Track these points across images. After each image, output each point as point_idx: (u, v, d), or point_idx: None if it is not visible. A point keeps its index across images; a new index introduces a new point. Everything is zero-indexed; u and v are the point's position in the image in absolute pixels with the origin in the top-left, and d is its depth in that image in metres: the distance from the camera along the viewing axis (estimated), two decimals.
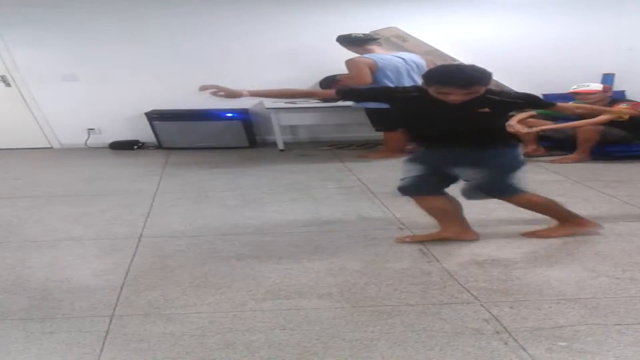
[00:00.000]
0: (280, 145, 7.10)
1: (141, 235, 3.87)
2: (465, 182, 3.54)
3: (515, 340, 2.41)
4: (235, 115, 7.00)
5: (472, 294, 2.87)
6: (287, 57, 7.07)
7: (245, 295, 2.89)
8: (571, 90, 6.16)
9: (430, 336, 2.46)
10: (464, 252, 3.44)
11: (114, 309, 2.77)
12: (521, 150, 3.57)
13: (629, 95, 7.03)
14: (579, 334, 2.46)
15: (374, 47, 6.00)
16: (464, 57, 7.03)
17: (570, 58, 7.10)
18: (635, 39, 7.22)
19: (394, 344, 2.40)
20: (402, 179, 3.57)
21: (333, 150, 7.03)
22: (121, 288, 3.00)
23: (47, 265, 3.34)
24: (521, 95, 3.46)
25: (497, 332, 2.48)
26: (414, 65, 6.00)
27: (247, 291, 2.94)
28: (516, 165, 3.47)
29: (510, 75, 6.99)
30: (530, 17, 7.24)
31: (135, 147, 7.39)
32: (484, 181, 3.43)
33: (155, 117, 7.13)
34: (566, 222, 3.66)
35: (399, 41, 6.97)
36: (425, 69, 5.89)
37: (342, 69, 6.00)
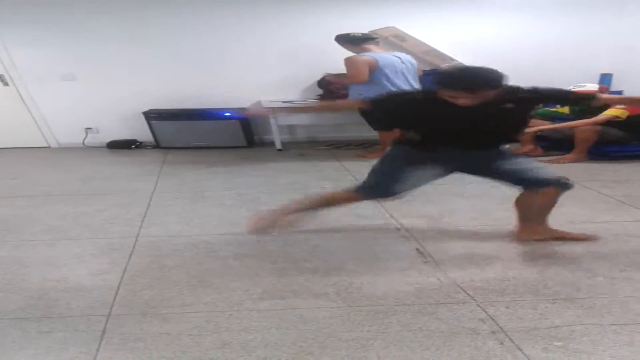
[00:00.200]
0: (278, 145, 7.10)
1: (138, 234, 3.87)
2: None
3: (511, 340, 2.41)
4: (233, 114, 7.00)
5: (468, 293, 2.88)
6: (286, 56, 7.08)
7: (242, 295, 2.89)
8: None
9: (426, 336, 2.46)
10: (460, 252, 3.45)
11: (111, 308, 2.77)
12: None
13: (627, 95, 7.03)
14: (575, 333, 2.46)
15: (372, 47, 6.01)
16: (463, 57, 7.07)
17: (568, 58, 7.12)
18: (633, 39, 7.23)
19: (390, 343, 2.40)
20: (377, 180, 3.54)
21: (331, 150, 7.03)
22: (118, 287, 3.00)
23: (43, 264, 3.34)
24: (544, 89, 3.43)
25: (493, 332, 2.49)
26: (409, 65, 6.01)
27: (244, 291, 2.94)
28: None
29: (509, 74, 6.99)
30: (528, 17, 7.25)
31: (133, 146, 7.39)
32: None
33: (153, 116, 7.13)
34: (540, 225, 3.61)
35: (398, 41, 6.98)
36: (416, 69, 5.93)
37: (343, 69, 6.00)
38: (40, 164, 6.61)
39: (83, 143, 7.49)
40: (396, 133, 3.84)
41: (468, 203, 4.49)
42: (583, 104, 3.94)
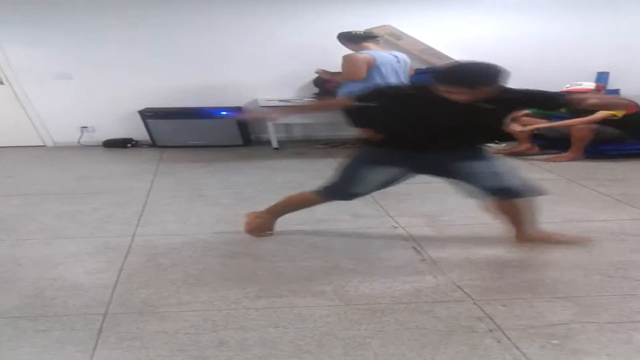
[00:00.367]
0: (275, 144, 7.10)
1: (135, 233, 3.86)
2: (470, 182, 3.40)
3: (509, 339, 2.41)
4: (229, 113, 6.98)
5: (465, 292, 2.88)
6: (283, 54, 7.08)
7: (239, 294, 2.89)
8: (564, 89, 6.16)
9: (423, 334, 2.46)
10: (458, 251, 3.45)
11: (108, 307, 2.76)
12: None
13: (624, 93, 7.05)
14: (572, 332, 2.46)
15: (370, 45, 6.00)
16: (460, 55, 7.05)
17: (565, 57, 7.12)
18: (630, 38, 7.25)
19: (387, 342, 2.40)
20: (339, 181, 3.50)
21: (327, 149, 7.02)
22: (114, 286, 3.00)
23: (40, 263, 3.33)
24: (532, 91, 3.35)
25: (491, 330, 2.49)
26: (404, 64, 5.99)
27: (241, 289, 2.94)
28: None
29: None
30: (526, 16, 7.26)
31: (129, 145, 7.37)
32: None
33: (149, 115, 7.12)
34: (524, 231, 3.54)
35: (394, 39, 6.98)
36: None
37: (340, 67, 5.99)
38: (36, 162, 6.59)
39: (79, 142, 7.47)
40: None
41: (465, 202, 4.47)
42: (569, 106, 3.80)
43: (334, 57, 6.00)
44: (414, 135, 3.30)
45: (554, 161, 5.98)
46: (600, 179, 5.17)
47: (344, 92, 5.72)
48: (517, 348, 2.34)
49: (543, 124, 6.30)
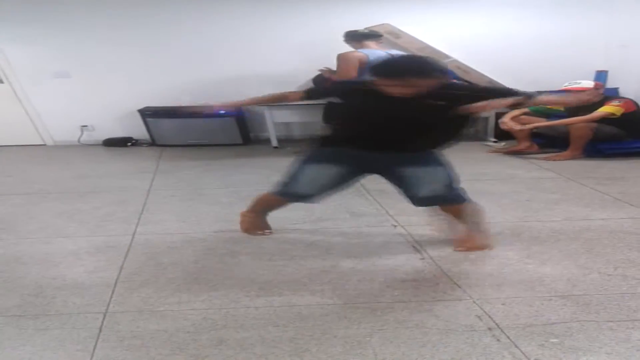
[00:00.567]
0: (274, 142, 7.10)
1: (135, 232, 3.87)
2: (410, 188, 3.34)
3: (508, 337, 2.42)
4: (228, 112, 6.99)
5: (464, 290, 2.88)
6: (285, 53, 7.09)
7: (239, 292, 2.89)
8: (562, 87, 6.17)
9: (422, 333, 2.46)
10: (457, 250, 3.45)
11: (108, 305, 2.77)
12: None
13: (622, 92, 7.06)
14: (571, 330, 2.47)
15: (371, 43, 6.01)
16: (458, 54, 7.09)
17: (564, 55, 7.12)
18: (629, 36, 7.25)
19: (386, 340, 2.41)
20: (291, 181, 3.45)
21: None
22: (114, 285, 3.00)
23: (40, 262, 3.34)
24: (479, 88, 3.26)
25: (490, 329, 2.49)
26: None
27: (241, 288, 2.94)
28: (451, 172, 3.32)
29: (504, 72, 7.02)
30: (524, 14, 7.25)
31: (129, 144, 7.38)
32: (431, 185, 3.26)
33: (149, 114, 7.12)
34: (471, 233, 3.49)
35: (392, 38, 6.97)
36: None
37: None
38: (35, 161, 6.59)
39: (79, 141, 7.48)
40: None
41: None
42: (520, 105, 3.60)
43: (333, 55, 6.01)
44: (358, 131, 3.24)
45: (553, 160, 5.99)
46: (599, 178, 5.18)
47: None
48: (517, 346, 2.34)
49: (542, 122, 6.31)
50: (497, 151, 6.58)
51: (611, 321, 2.55)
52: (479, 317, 2.61)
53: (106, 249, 3.55)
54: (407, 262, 3.27)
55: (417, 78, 2.99)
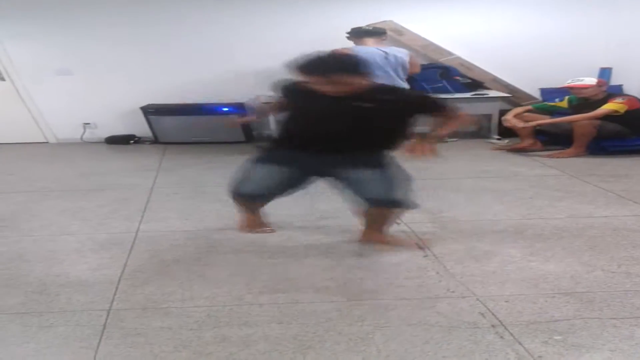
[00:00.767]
0: None
1: (138, 229, 3.87)
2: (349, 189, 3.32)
3: (511, 334, 2.42)
4: (231, 109, 6.98)
5: (467, 287, 2.88)
6: (286, 50, 6.95)
7: (242, 289, 2.90)
8: (565, 84, 6.17)
9: (426, 330, 2.47)
10: (460, 247, 3.45)
11: (111, 303, 2.78)
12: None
13: (626, 89, 7.04)
14: (575, 327, 2.47)
15: (369, 40, 6.00)
16: (462, 51, 7.08)
17: (565, 53, 7.10)
18: (634, 33, 7.23)
19: (390, 337, 2.41)
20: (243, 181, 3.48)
21: None
22: (118, 282, 3.01)
23: (44, 259, 3.35)
24: (409, 96, 3.21)
25: (493, 326, 2.49)
26: (393, 60, 5.92)
27: (244, 285, 2.95)
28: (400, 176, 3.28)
29: (508, 69, 7.01)
30: (527, 11, 7.23)
31: (132, 141, 7.38)
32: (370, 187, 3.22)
33: (151, 111, 7.11)
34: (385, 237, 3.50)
35: (396, 35, 6.97)
36: (407, 65, 5.87)
37: None
38: (38, 159, 6.60)
39: (81, 138, 7.48)
40: None
41: (467, 198, 4.49)
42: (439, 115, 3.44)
43: None
44: (298, 131, 3.26)
45: (557, 157, 5.98)
46: (603, 175, 5.17)
47: None
48: (520, 343, 2.35)
49: (545, 119, 6.30)
50: (500, 148, 6.57)
51: (615, 318, 2.55)
52: (482, 314, 2.61)
53: (110, 246, 3.56)
54: (410, 259, 3.27)
55: (340, 75, 2.98)
